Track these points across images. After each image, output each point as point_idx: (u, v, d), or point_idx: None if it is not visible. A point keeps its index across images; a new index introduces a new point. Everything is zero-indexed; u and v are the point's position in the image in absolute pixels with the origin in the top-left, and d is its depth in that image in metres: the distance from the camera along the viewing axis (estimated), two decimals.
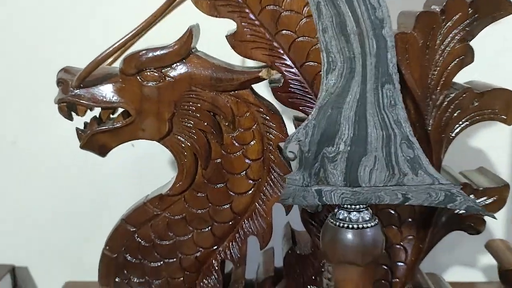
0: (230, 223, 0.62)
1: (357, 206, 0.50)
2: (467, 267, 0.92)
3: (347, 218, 0.50)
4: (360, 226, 0.49)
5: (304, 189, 0.50)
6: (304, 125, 0.49)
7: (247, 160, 0.60)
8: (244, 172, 0.61)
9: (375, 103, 0.48)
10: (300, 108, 0.58)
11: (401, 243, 0.63)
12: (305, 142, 0.49)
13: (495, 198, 0.62)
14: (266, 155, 0.60)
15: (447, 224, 0.62)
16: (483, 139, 0.87)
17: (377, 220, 0.50)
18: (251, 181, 0.61)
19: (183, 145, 0.59)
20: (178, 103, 0.58)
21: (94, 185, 0.90)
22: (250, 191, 0.61)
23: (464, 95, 0.58)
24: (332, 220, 0.51)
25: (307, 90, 0.58)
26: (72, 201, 0.91)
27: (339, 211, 0.50)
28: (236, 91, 0.58)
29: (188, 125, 0.59)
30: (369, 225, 0.50)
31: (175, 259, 0.63)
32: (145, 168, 0.89)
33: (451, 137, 0.60)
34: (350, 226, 0.49)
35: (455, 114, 0.59)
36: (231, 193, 0.61)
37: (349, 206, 0.50)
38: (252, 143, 0.60)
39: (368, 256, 0.49)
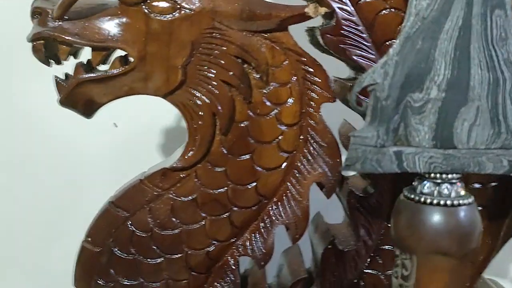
0: (254, 208, 0.48)
1: (449, 176, 0.37)
2: None
3: (435, 192, 0.37)
4: (455, 203, 0.36)
5: (379, 150, 0.36)
6: (382, 62, 0.36)
7: (280, 125, 0.47)
8: (276, 140, 0.47)
9: (481, 34, 0.36)
10: (354, 57, 0.46)
11: None
12: (383, 86, 0.36)
13: None
14: (305, 120, 0.47)
15: None
16: None
17: (473, 197, 0.38)
18: (284, 153, 0.47)
19: (199, 101, 0.45)
20: (196, 45, 0.44)
21: (63, 175, 0.73)
22: (282, 166, 0.47)
23: None
24: (411, 195, 0.37)
25: (364, 35, 0.45)
26: (33, 196, 0.73)
27: (424, 182, 0.37)
28: (272, 33, 0.45)
29: (209, 75, 0.44)
30: (465, 201, 0.37)
31: (180, 255, 0.48)
32: (130, 155, 0.73)
33: None
34: (441, 202, 0.36)
35: None
36: (257, 168, 0.47)
37: (438, 175, 0.37)
38: (289, 102, 0.46)
39: (465, 245, 0.36)
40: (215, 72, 0.44)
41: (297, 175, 0.48)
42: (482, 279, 0.54)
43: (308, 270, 0.53)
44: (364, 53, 0.45)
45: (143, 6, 0.43)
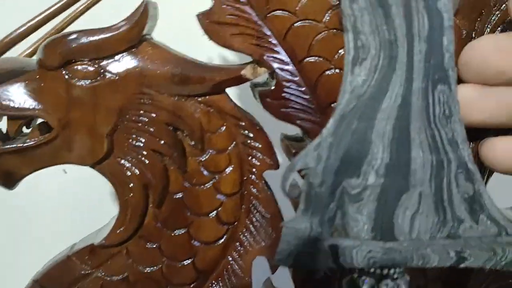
0: (192, 285, 0.44)
1: (391, 271, 0.33)
2: None
3: None
4: None
5: (313, 244, 0.32)
6: (315, 144, 0.32)
7: (219, 196, 0.43)
8: (215, 212, 0.43)
9: (423, 113, 0.32)
10: (297, 122, 0.42)
11: None
12: (317, 171, 0.32)
13: None
14: (247, 189, 0.43)
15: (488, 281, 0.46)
16: None
17: None
18: (224, 226, 0.43)
19: (128, 173, 0.41)
20: (124, 112, 0.40)
21: (8, 225, 0.69)
22: (222, 240, 0.43)
23: None
24: None
25: (307, 97, 0.41)
26: None
27: (363, 277, 0.33)
28: (207, 96, 0.41)
29: (137, 144, 0.41)
30: None
31: None
32: (83, 202, 0.69)
33: None
34: None
35: None
36: (195, 242, 0.43)
37: (378, 270, 0.33)
38: (227, 170, 0.42)
39: None
40: (144, 140, 0.41)
41: (238, 248, 0.44)
42: None
43: None
44: (308, 116, 0.41)
45: (64, 71, 0.39)
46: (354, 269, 0.33)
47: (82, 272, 0.43)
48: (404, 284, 0.33)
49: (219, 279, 0.44)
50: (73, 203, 0.70)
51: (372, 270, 0.33)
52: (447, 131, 0.32)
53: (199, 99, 0.41)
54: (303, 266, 0.32)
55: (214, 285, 0.44)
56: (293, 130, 0.45)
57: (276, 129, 0.45)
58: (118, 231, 0.42)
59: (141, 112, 0.40)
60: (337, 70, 0.41)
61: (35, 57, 0.41)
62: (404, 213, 0.32)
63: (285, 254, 0.32)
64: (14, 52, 0.44)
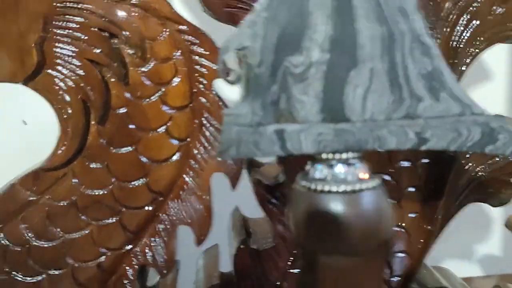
0: (149, 208, 0.41)
1: (345, 155, 0.30)
2: (463, 260, 0.75)
3: (330, 176, 0.30)
4: (355, 188, 0.29)
5: (255, 130, 0.29)
6: (249, 21, 0.29)
7: (167, 109, 0.39)
8: (164, 127, 0.40)
9: None
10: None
11: (402, 224, 0.43)
12: (254, 49, 0.29)
13: None
14: (196, 100, 0.40)
15: (466, 194, 0.43)
16: None
17: (378, 179, 0.30)
18: (175, 141, 0.40)
19: (63, 85, 0.38)
20: (50, 18, 0.36)
21: None
22: (175, 157, 0.40)
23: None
24: (303, 182, 0.30)
25: None
26: None
27: (315, 165, 0.30)
28: None
29: (69, 53, 0.37)
30: (368, 185, 0.30)
31: (64, 270, 0.41)
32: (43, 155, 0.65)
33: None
34: (336, 189, 0.29)
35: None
36: (145, 160, 0.40)
37: (330, 155, 0.30)
38: (174, 81, 0.39)
39: (370, 240, 0.29)
40: (76, 50, 0.37)
41: (194, 166, 0.41)
42: (426, 269, 0.48)
43: (226, 274, 0.46)
44: None
45: None
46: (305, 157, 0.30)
47: (28, 199, 0.40)
48: (360, 169, 0.30)
49: (177, 200, 0.41)
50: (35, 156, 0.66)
51: (323, 156, 0.30)
52: None
53: (133, 1, 0.37)
54: (246, 154, 0.29)
55: (171, 207, 0.41)
56: None
57: None
58: (59, 152, 0.39)
59: (69, 17, 0.37)
60: None
61: None
62: (354, 91, 0.29)
63: (227, 144, 0.29)
64: None
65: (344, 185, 0.29)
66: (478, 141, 0.30)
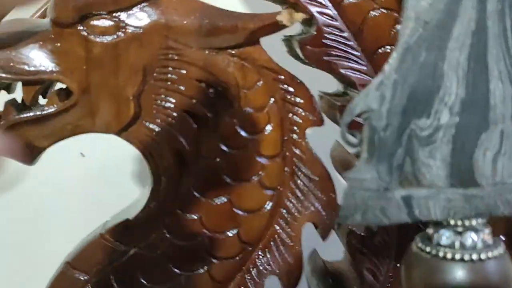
0: (238, 258, 0.40)
1: (473, 221, 0.29)
2: None
3: (457, 244, 0.29)
4: (482, 256, 0.28)
5: (382, 195, 0.28)
6: (377, 83, 0.28)
7: (259, 158, 0.39)
8: (256, 176, 0.39)
9: (501, 37, 0.27)
10: (341, 71, 0.38)
11: None
12: (381, 112, 0.28)
13: None
14: (289, 149, 0.39)
15: None
16: None
17: (503, 246, 0.29)
18: (268, 191, 0.39)
19: (158, 138, 0.37)
20: (150, 70, 0.36)
21: (26, 213, 0.65)
22: (267, 207, 0.39)
23: None
24: (426, 247, 0.29)
25: (351, 43, 0.37)
26: None
27: (441, 231, 0.29)
28: (241, 48, 0.37)
29: (167, 105, 0.37)
30: (495, 253, 0.28)
31: None
32: (101, 188, 0.65)
33: None
34: (465, 256, 0.28)
35: None
36: (237, 211, 0.39)
37: (460, 222, 0.29)
38: (267, 130, 0.38)
39: None
40: (174, 101, 0.37)
41: (285, 215, 0.40)
42: None
43: None
44: (354, 65, 0.37)
45: (80, 27, 0.35)
46: (426, 223, 0.29)
47: (118, 249, 0.39)
48: (488, 235, 0.29)
49: (266, 250, 0.40)
50: (93, 192, 0.66)
51: (452, 222, 0.28)
52: None
53: (232, 51, 0.37)
54: (373, 221, 0.28)
55: (261, 256, 0.40)
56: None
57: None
58: (152, 204, 0.38)
59: (169, 69, 0.36)
60: (383, 10, 0.37)
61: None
62: (484, 154, 0.28)
63: (351, 210, 0.28)
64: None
65: (472, 253, 0.28)
66: None
